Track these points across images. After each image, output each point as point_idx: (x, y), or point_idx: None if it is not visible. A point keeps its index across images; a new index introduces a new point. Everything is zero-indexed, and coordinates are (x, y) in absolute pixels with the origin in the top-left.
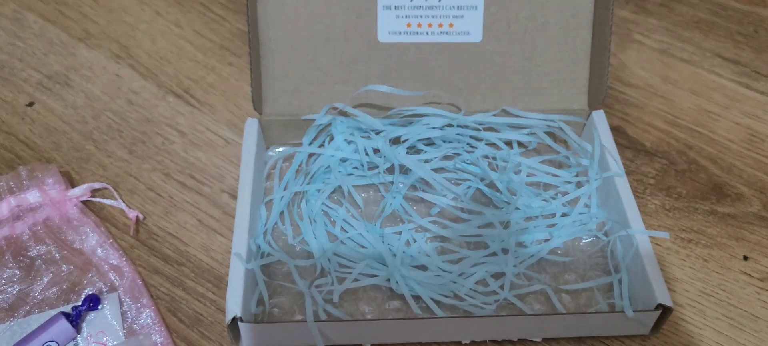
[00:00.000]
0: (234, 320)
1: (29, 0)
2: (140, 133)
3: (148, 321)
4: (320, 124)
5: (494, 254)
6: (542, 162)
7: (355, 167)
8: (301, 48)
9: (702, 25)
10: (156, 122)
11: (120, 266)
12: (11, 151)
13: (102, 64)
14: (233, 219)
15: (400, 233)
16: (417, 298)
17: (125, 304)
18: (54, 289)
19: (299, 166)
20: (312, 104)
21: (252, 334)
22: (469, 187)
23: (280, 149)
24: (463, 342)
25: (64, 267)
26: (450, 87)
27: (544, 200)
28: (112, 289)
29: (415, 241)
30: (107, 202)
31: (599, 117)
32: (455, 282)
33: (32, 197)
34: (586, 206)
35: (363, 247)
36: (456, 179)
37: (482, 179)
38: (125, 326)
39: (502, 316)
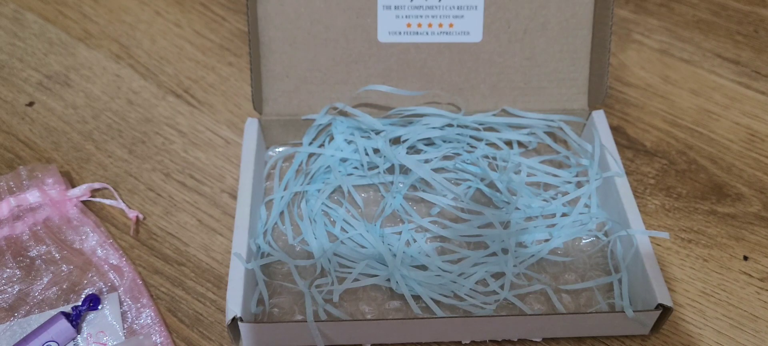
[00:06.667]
0: (234, 320)
1: (29, 0)
2: (140, 134)
3: (148, 321)
4: (320, 124)
5: (494, 254)
6: (542, 162)
7: (355, 167)
8: (301, 48)
9: (702, 25)
10: (156, 122)
11: (120, 266)
12: (11, 151)
13: (102, 64)
14: (233, 219)
15: (400, 233)
16: (417, 298)
17: (125, 304)
18: (54, 289)
19: (299, 166)
20: (312, 104)
21: (252, 334)
22: (469, 187)
23: (280, 149)
24: (463, 342)
25: (64, 267)
26: (450, 87)
27: (544, 200)
28: (112, 289)
29: (415, 241)
30: (107, 202)
31: (599, 117)
32: (455, 282)
33: (32, 197)
34: (586, 206)
35: (363, 247)
36: (456, 179)
37: (482, 179)
38: (125, 326)
39: (502, 316)
